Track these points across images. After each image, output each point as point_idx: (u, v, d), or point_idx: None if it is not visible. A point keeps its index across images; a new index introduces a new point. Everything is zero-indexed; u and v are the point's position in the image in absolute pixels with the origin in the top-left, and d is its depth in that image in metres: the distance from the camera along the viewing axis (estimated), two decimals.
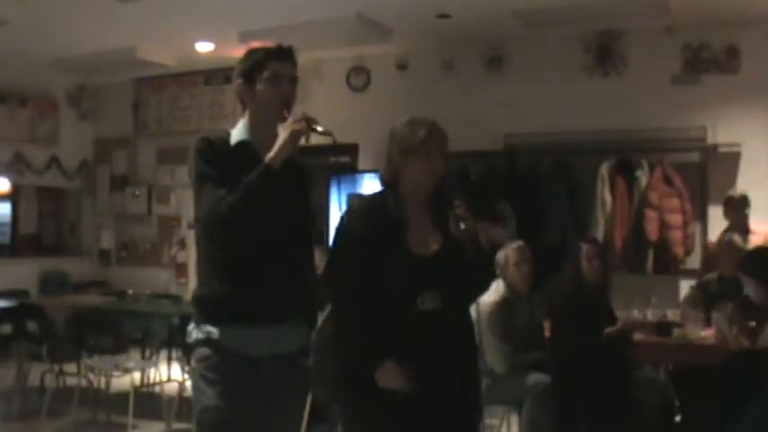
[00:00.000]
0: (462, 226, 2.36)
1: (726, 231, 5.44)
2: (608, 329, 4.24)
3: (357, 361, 2.41)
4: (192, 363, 2.39)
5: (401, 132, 2.45)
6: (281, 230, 2.35)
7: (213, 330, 2.30)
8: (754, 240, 5.20)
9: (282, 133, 2.28)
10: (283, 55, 2.39)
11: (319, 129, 2.33)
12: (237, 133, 2.40)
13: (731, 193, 5.74)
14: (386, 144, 2.50)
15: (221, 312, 2.31)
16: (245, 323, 2.30)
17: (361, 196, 2.61)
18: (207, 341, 2.31)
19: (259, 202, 2.23)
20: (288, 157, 2.27)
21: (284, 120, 2.33)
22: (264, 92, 2.36)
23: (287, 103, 2.38)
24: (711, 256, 5.50)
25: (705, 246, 5.99)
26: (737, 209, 5.57)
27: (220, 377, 2.29)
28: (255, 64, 2.37)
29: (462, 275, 2.41)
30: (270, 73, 2.36)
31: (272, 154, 2.25)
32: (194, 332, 2.35)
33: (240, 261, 2.30)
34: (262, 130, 2.37)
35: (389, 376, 2.34)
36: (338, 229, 2.49)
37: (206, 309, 2.34)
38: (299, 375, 2.44)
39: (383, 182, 2.51)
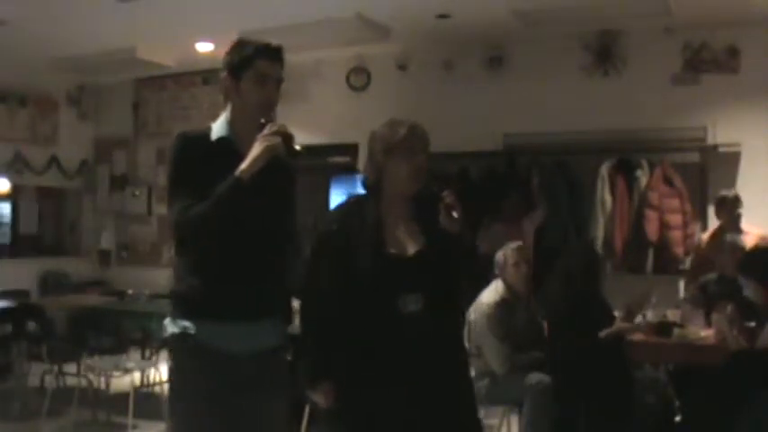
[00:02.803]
0: (455, 214, 2.33)
1: (718, 231, 5.44)
2: (603, 333, 4.23)
3: (305, 378, 2.47)
4: (168, 357, 2.39)
5: (382, 133, 2.45)
6: (259, 229, 2.34)
7: (189, 325, 2.29)
8: (747, 241, 5.20)
9: (257, 146, 2.26)
10: (272, 55, 2.37)
11: (296, 147, 2.31)
12: (218, 129, 2.39)
13: (724, 192, 5.74)
14: (367, 148, 2.50)
15: (197, 308, 2.30)
16: (221, 319, 2.29)
17: (346, 199, 2.60)
18: (183, 335, 2.30)
19: (229, 212, 2.22)
20: (259, 169, 2.25)
21: (261, 126, 2.31)
22: (249, 91, 2.35)
23: (269, 107, 2.37)
24: (702, 256, 5.51)
25: (696, 245, 5.96)
26: (731, 209, 5.57)
27: (196, 372, 2.28)
28: (243, 60, 2.35)
29: (446, 276, 2.38)
30: (256, 72, 2.34)
31: (243, 166, 2.24)
32: (170, 326, 2.34)
33: (215, 259, 2.29)
34: (242, 127, 2.37)
35: (321, 397, 2.41)
36: (317, 236, 2.50)
37: (182, 305, 2.33)
38: (280, 372, 2.44)
39: (365, 184, 2.50)
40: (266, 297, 2.36)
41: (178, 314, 2.33)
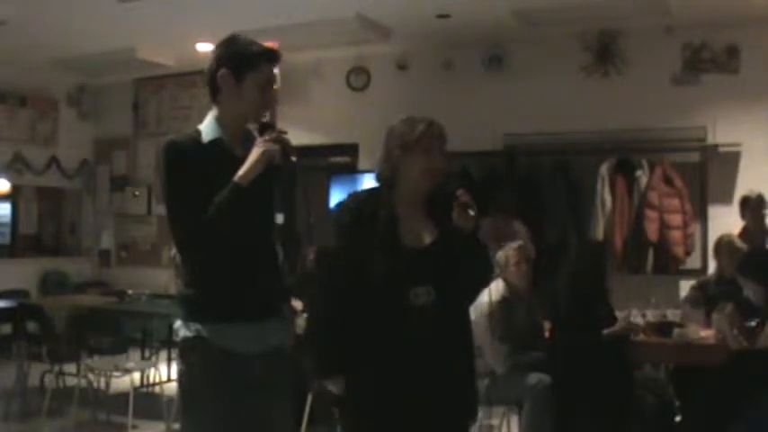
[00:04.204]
0: (472, 213, 2.33)
1: (743, 232, 5.41)
2: (607, 331, 4.24)
3: (318, 369, 2.46)
4: (179, 360, 2.39)
5: (400, 129, 2.42)
6: (258, 230, 2.35)
7: (202, 328, 2.30)
8: None
9: (256, 151, 2.26)
10: (276, 59, 2.37)
11: (293, 158, 2.31)
12: (209, 130, 2.35)
13: (746, 193, 5.73)
14: (383, 142, 2.47)
15: (206, 311, 2.31)
16: (230, 321, 2.31)
17: (355, 193, 2.58)
18: (196, 338, 2.31)
19: (231, 218, 2.23)
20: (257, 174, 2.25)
21: (262, 127, 2.31)
22: (251, 93, 2.32)
23: (267, 109, 2.39)
24: None
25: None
26: (754, 209, 5.55)
27: (210, 374, 2.29)
28: (249, 61, 2.32)
29: (458, 270, 2.38)
30: (262, 77, 2.33)
31: (241, 172, 2.24)
32: (182, 330, 2.35)
33: (219, 262, 2.30)
34: (234, 126, 2.36)
35: (334, 386, 2.39)
36: (329, 225, 2.49)
37: (191, 308, 2.34)
38: (286, 370, 2.45)
39: (379, 179, 2.48)
40: (270, 297, 2.38)
41: (189, 317, 2.34)
